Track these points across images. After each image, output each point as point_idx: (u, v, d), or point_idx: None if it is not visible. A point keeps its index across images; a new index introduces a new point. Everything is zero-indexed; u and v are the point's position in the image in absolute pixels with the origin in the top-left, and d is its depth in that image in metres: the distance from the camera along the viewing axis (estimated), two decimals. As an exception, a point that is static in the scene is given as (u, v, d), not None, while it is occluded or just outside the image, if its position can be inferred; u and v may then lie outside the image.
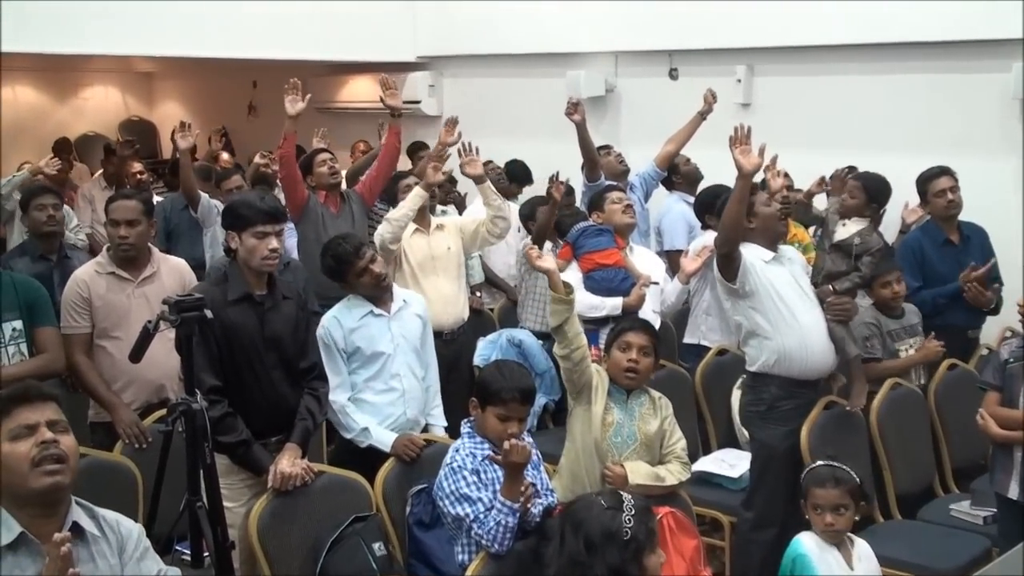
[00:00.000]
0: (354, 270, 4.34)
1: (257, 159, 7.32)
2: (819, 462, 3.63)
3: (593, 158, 6.48)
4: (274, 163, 6.70)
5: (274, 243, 3.76)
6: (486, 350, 5.54)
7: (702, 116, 6.60)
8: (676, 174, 6.93)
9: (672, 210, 6.68)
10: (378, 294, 4.40)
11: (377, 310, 4.36)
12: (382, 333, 4.34)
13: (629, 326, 4.06)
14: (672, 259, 6.31)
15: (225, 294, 3.76)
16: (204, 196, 6.40)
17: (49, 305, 4.24)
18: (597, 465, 3.86)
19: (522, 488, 3.36)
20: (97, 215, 8.01)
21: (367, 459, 4.13)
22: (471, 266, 6.68)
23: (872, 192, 5.13)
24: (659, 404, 4.05)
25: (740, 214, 4.32)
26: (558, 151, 7.18)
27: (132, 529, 2.61)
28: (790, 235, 5.38)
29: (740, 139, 4.28)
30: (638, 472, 3.85)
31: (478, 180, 5.51)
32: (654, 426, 3.97)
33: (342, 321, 4.29)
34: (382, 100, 6.44)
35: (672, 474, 3.95)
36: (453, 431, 4.31)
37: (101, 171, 9.22)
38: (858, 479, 3.55)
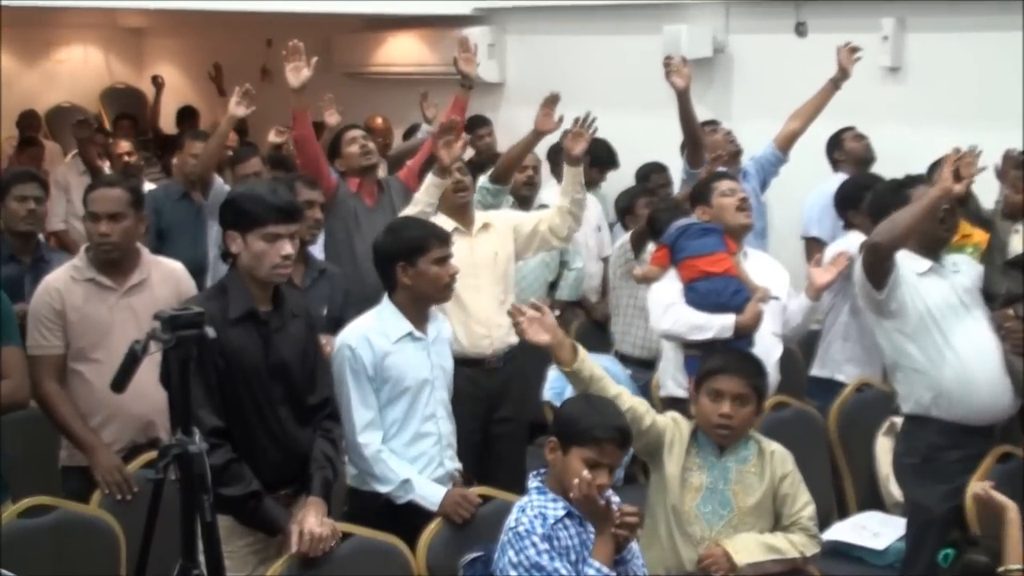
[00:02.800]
0: (423, 260, 4.27)
1: (272, 136, 7.38)
2: (981, 557, 3.58)
3: (697, 136, 6.43)
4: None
5: (287, 248, 3.79)
6: (559, 382, 5.53)
7: (835, 84, 6.52)
8: (839, 149, 6.90)
9: (827, 193, 6.56)
10: (438, 301, 4.42)
11: (417, 332, 4.32)
12: (420, 362, 4.31)
13: (720, 366, 4.05)
14: (809, 248, 6.36)
15: (225, 310, 3.78)
16: (218, 180, 6.46)
17: (12, 319, 4.29)
18: (684, 547, 3.87)
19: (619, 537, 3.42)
20: (73, 207, 8.13)
21: (396, 519, 4.13)
22: (566, 277, 6.74)
23: None
24: (771, 461, 4.03)
25: (918, 224, 4.37)
26: (650, 127, 7.14)
27: None
28: (962, 235, 5.28)
29: (964, 160, 4.33)
30: (746, 548, 3.84)
31: (574, 162, 5.51)
32: (756, 492, 3.96)
33: (373, 342, 4.24)
34: (456, 64, 6.41)
35: (794, 546, 3.93)
36: (505, 488, 4.32)
37: (76, 152, 9.32)
38: None
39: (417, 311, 4.34)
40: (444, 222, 5.28)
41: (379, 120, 8.99)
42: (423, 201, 5.22)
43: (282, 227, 3.79)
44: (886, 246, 4.38)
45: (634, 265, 5.92)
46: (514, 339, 5.41)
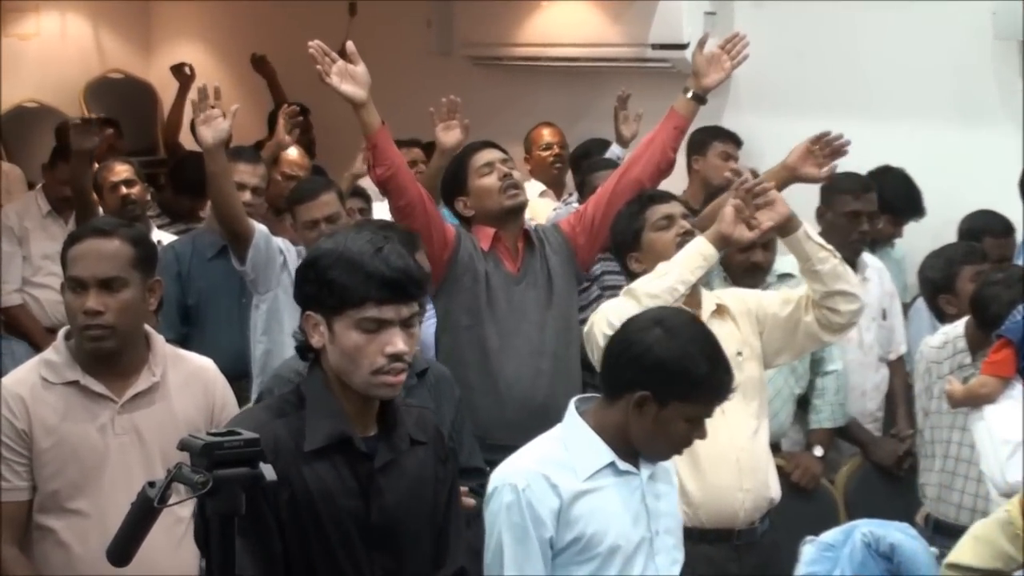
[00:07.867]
0: (694, 375, 4.27)
1: (359, 164, 7.50)
2: None
3: None
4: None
5: (399, 342, 3.82)
6: (820, 565, 5.52)
7: None
8: None
9: None
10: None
11: (622, 464, 4.33)
12: (631, 509, 4.35)
13: None
14: None
15: (299, 436, 3.84)
16: (260, 230, 6.59)
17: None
18: None
19: None
20: (32, 264, 8.38)
21: None
22: (822, 389, 6.76)
23: None
24: None
25: None
26: (977, 145, 7.14)
27: None
28: None
29: None
30: None
31: (790, 230, 5.41)
32: None
33: (555, 480, 4.24)
34: (694, 57, 6.43)
35: None
36: None
37: (41, 183, 9.34)
38: None
39: (627, 439, 4.33)
40: None
41: (546, 132, 9.13)
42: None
43: (389, 308, 3.81)
44: None
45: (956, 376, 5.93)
46: (775, 493, 5.45)
